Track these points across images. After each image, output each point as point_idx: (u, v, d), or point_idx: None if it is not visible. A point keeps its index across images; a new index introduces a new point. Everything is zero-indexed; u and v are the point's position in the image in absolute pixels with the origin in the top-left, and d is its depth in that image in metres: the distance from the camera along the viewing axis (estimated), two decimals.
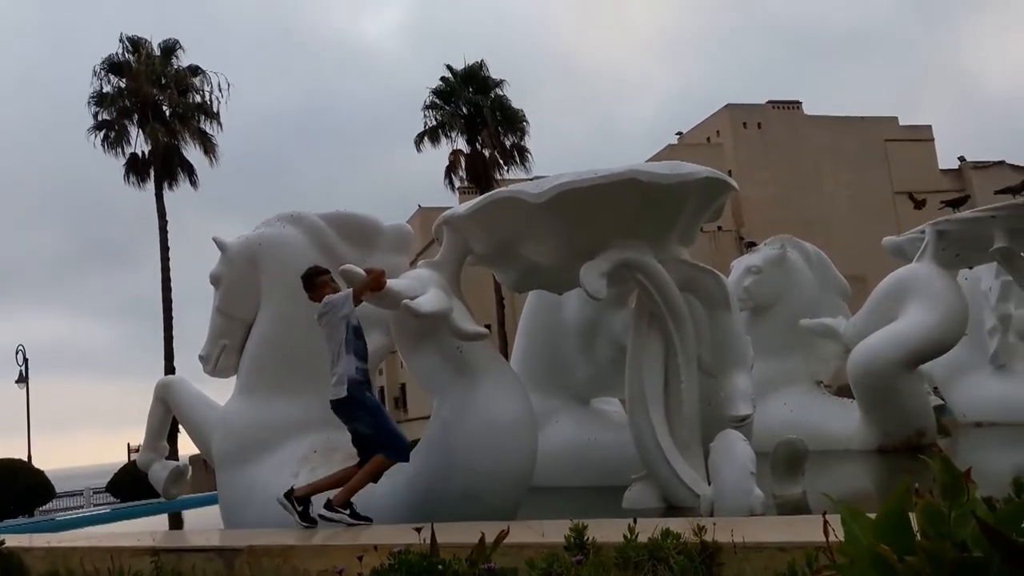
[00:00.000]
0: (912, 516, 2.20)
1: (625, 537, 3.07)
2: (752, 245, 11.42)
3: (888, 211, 46.08)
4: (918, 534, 2.04)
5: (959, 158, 50.68)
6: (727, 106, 49.69)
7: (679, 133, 53.02)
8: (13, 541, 6.41)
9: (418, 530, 3.22)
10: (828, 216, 45.68)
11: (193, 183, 31.26)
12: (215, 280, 7.22)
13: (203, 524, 8.55)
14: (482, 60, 35.08)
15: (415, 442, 6.27)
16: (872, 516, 2.23)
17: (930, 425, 8.98)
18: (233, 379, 7.28)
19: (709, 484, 5.68)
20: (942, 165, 50.67)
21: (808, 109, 50.53)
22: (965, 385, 10.95)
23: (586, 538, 3.24)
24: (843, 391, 10.64)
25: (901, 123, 52.55)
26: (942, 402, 10.91)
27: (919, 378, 9.27)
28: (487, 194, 6.33)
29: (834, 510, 2.40)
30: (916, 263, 9.36)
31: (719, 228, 40.60)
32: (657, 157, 47.81)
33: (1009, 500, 2.40)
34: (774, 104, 50.25)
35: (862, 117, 51.35)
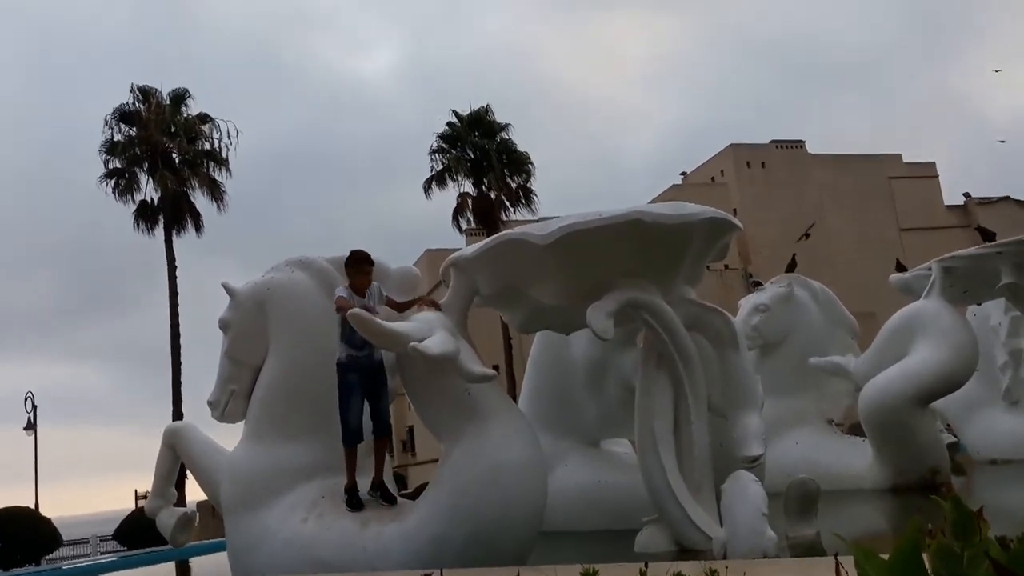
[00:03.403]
0: (925, 556, 2.19)
1: None
2: (759, 284, 11.43)
3: (895, 248, 46.03)
4: (931, 575, 2.01)
5: (964, 194, 50.82)
6: (731, 146, 50.14)
7: (683, 173, 53.43)
8: None
9: None
10: (834, 254, 45.70)
11: (198, 229, 31.55)
12: (224, 326, 7.26)
13: (210, 571, 8.46)
14: (487, 105, 35.62)
15: (424, 485, 6.28)
16: (885, 557, 2.21)
17: (944, 463, 8.87)
18: (241, 424, 7.28)
19: (721, 526, 5.61)
20: (947, 201, 50.80)
21: (811, 143, 50.98)
22: (978, 422, 10.85)
23: None
24: (855, 429, 10.54)
25: (905, 160, 52.85)
26: (955, 439, 10.79)
27: (931, 415, 9.18)
28: (494, 236, 6.39)
29: (847, 551, 2.38)
30: (924, 300, 9.35)
31: (726, 267, 40.67)
32: (663, 197, 48.12)
33: (1023, 539, 2.38)
34: (777, 144, 50.68)
35: (865, 156, 51.71)
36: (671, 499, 5.88)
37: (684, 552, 5.66)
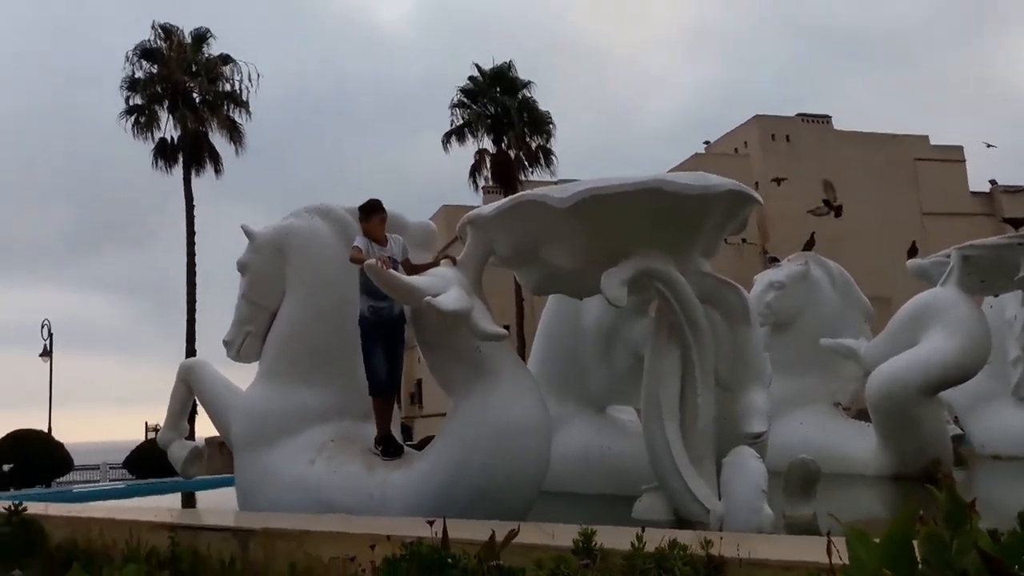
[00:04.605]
0: (916, 543, 2.25)
1: (632, 545, 3.13)
2: (775, 260, 11.38)
3: (916, 232, 45.49)
4: (920, 561, 2.08)
5: (990, 181, 50.01)
6: (756, 117, 49.40)
7: (706, 142, 52.79)
8: (33, 509, 6.59)
9: (430, 524, 3.29)
10: (854, 234, 45.23)
11: (217, 170, 31.61)
12: (242, 267, 7.35)
13: (216, 505, 8.69)
14: (511, 61, 35.18)
15: (429, 438, 6.42)
16: (877, 540, 2.27)
17: (947, 454, 8.89)
18: (255, 365, 7.42)
19: (720, 499, 5.71)
20: (972, 187, 50.03)
21: (837, 119, 50.10)
22: (985, 416, 10.82)
23: (594, 543, 3.30)
24: (862, 414, 10.56)
25: (932, 142, 51.95)
26: (961, 432, 10.79)
27: (938, 406, 9.16)
28: (512, 196, 6.40)
29: (841, 532, 2.44)
30: (940, 287, 9.27)
31: (744, 240, 40.39)
32: (684, 166, 47.61)
33: (1014, 532, 2.43)
34: (804, 117, 49.90)
35: (892, 135, 50.83)
36: (672, 469, 5.98)
37: (681, 522, 5.77)
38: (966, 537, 2.15)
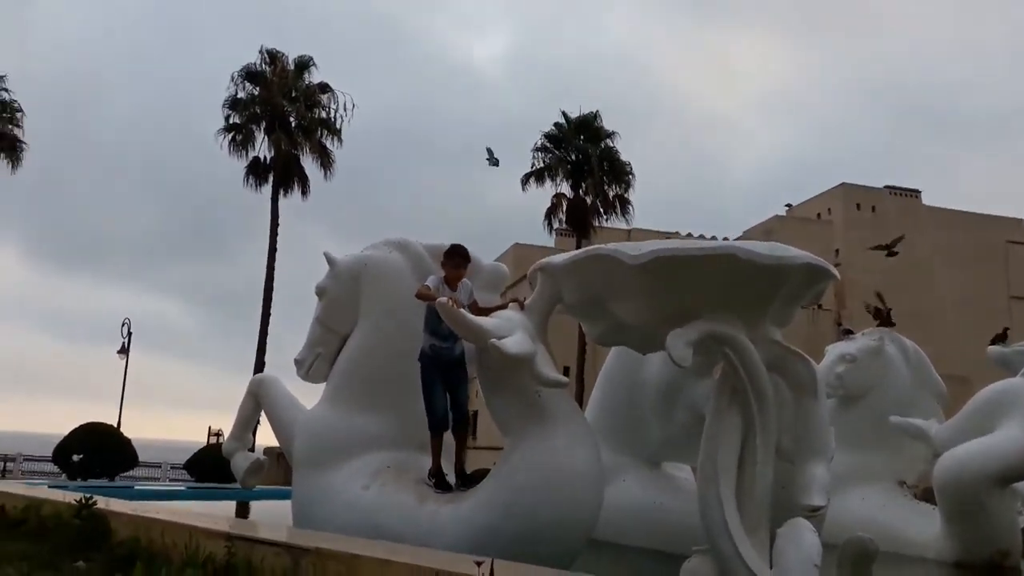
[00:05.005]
0: None
1: None
2: (849, 332, 11.14)
3: (1002, 315, 43.66)
4: None
5: None
6: (842, 184, 48.57)
7: (788, 205, 52.04)
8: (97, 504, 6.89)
9: (478, 564, 3.37)
10: (937, 313, 43.68)
11: (304, 192, 32.79)
12: (320, 292, 7.66)
13: (269, 517, 8.91)
14: (597, 111, 35.67)
15: (480, 471, 6.52)
16: None
17: (1016, 546, 8.49)
18: (321, 386, 7.67)
19: (771, 569, 5.59)
20: None
21: (927, 195, 48.80)
22: None
23: None
24: (927, 495, 10.16)
25: None
26: None
27: (1010, 496, 8.78)
28: (586, 248, 6.50)
29: None
30: (1021, 377, 8.96)
31: (819, 306, 39.49)
32: (765, 226, 47.06)
33: None
34: (892, 190, 48.81)
35: (984, 215, 49.17)
36: (724, 533, 5.88)
37: None
38: None
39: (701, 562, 6.16)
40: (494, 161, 31.75)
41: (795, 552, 5.37)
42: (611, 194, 35.01)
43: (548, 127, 35.41)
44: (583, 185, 34.81)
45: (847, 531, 6.34)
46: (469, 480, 6.61)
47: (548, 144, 35.51)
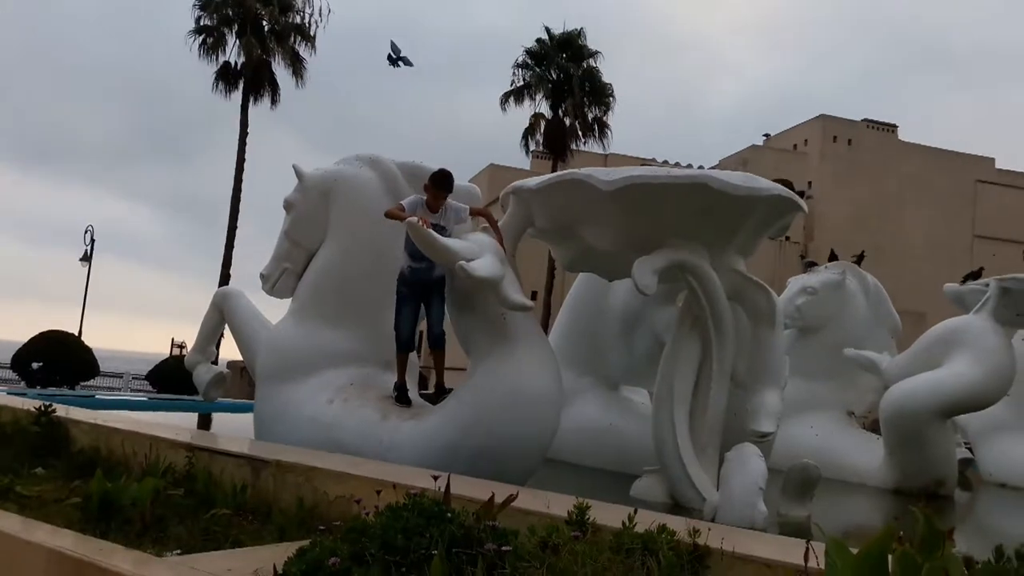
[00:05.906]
0: (891, 560, 2.35)
1: (623, 524, 3.25)
2: (812, 265, 11.31)
3: (964, 254, 44.59)
4: None
5: None
6: (820, 116, 48.36)
7: (766, 135, 51.88)
8: (57, 412, 6.89)
9: (435, 478, 3.45)
10: (902, 248, 44.41)
11: (275, 100, 31.85)
12: (288, 206, 7.54)
13: (230, 430, 8.99)
14: (581, 28, 34.74)
15: (441, 385, 6.66)
16: (856, 551, 2.38)
17: (951, 477, 8.92)
18: (287, 301, 7.65)
19: (717, 491, 5.82)
20: None
21: (906, 130, 48.91)
22: (998, 444, 10.76)
23: (587, 517, 3.43)
24: (874, 425, 10.57)
25: (998, 166, 50.49)
26: (971, 456, 10.76)
27: (950, 429, 9.18)
28: (559, 172, 6.47)
29: (823, 539, 2.55)
30: (973, 315, 9.21)
31: (787, 238, 39.88)
32: (740, 155, 46.97)
33: (988, 563, 2.53)
34: (870, 124, 48.73)
35: (957, 152, 49.48)
36: (675, 454, 6.09)
37: (676, 507, 5.90)
38: (937, 563, 2.25)
39: (651, 481, 6.41)
40: (397, 60, 28.73)
41: (741, 475, 5.59)
42: (590, 116, 34.49)
43: (531, 43, 34.60)
44: (562, 106, 34.23)
45: (795, 457, 6.60)
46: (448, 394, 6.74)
47: (529, 61, 34.67)
